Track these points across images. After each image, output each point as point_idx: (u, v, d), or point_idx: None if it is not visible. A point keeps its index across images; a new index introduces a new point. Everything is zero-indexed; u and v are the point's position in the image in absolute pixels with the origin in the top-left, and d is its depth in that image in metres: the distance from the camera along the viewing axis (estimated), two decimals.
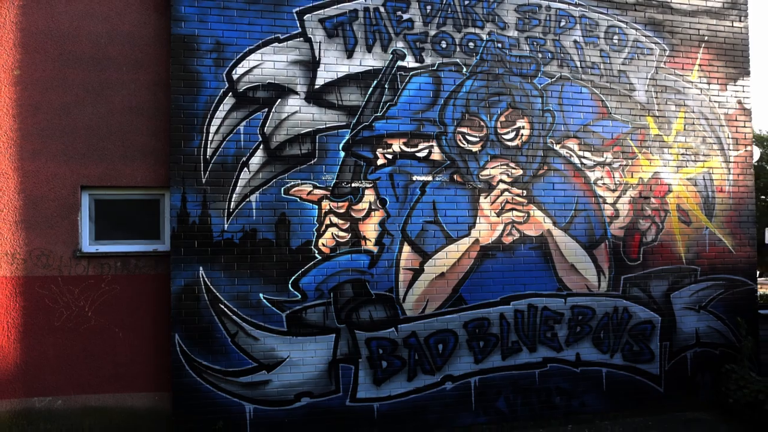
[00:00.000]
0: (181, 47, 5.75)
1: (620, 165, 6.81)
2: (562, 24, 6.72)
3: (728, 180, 7.17)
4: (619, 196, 6.79)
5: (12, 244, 5.55)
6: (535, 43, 6.63)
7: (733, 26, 7.30)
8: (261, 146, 5.87)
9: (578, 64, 6.73)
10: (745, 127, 7.28)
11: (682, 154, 7.03)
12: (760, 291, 8.05)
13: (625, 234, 6.78)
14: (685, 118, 7.06)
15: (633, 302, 6.75)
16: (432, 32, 6.35)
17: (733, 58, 7.29)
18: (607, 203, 6.75)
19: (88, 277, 5.65)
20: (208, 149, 5.76)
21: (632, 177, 6.85)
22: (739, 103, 7.26)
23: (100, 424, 5.61)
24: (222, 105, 5.80)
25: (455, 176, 6.33)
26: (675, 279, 6.91)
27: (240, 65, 5.86)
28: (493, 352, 6.37)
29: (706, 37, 7.19)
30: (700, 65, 7.15)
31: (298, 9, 6.03)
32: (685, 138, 7.05)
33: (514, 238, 6.47)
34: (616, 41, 6.88)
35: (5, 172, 5.56)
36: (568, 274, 6.58)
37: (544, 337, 6.50)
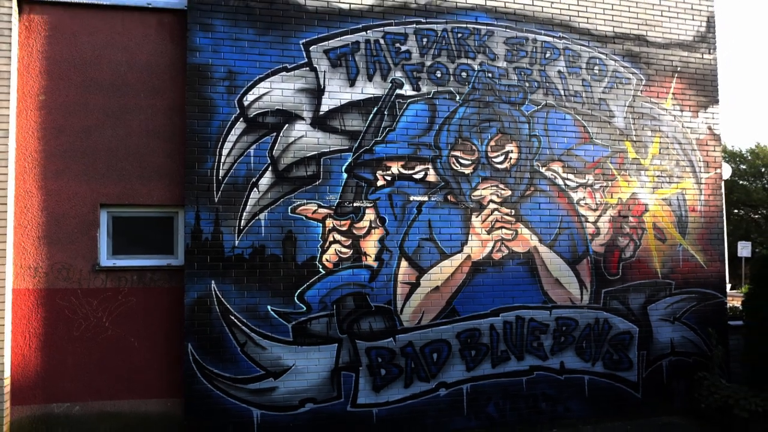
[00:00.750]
0: (196, 75, 6.18)
1: (601, 186, 7.35)
2: (547, 55, 7.27)
3: (700, 200, 7.74)
4: (599, 215, 7.32)
5: (35, 258, 5.90)
6: (522, 73, 7.16)
7: (703, 58, 7.91)
8: (269, 168, 6.30)
9: (562, 92, 7.28)
10: (714, 150, 7.87)
11: (658, 176, 7.59)
12: (730, 303, 8.59)
13: (605, 250, 7.31)
14: (660, 142, 7.63)
15: (613, 314, 7.26)
16: (428, 63, 6.85)
17: (704, 87, 7.89)
18: (588, 222, 7.28)
19: (106, 289, 6.02)
20: (221, 170, 6.18)
21: (612, 197, 7.38)
22: (710, 128, 7.86)
23: (116, 428, 5.95)
24: (233, 129, 6.23)
25: (449, 197, 6.80)
26: (651, 292, 7.44)
27: (250, 92, 6.30)
28: (484, 361, 6.82)
29: (678, 68, 7.79)
30: (673, 94, 7.74)
31: (304, 41, 6.49)
32: (660, 161, 7.61)
33: (503, 254, 6.95)
34: (596, 71, 7.44)
35: (30, 190, 5.92)
36: (552, 288, 7.08)
37: (530, 346, 6.98)
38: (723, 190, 7.90)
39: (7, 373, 5.68)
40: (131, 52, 6.21)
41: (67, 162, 6.00)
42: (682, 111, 7.77)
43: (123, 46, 6.19)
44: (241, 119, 6.25)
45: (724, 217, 7.94)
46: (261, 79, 6.34)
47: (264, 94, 6.33)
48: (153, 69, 6.25)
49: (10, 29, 5.81)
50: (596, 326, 7.19)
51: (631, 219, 7.44)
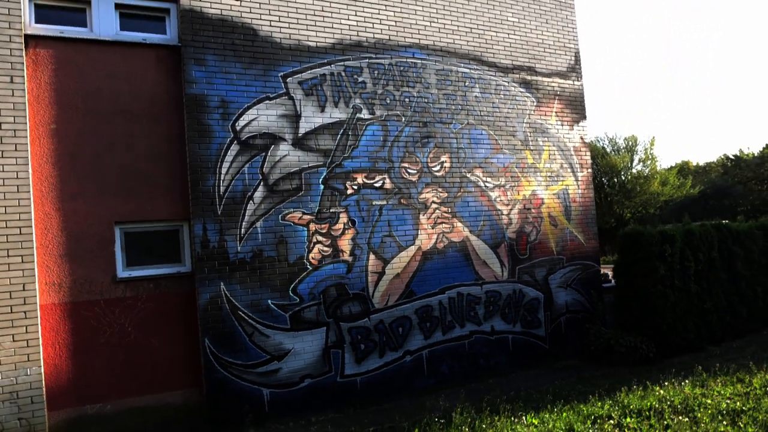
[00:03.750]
0: (194, 104, 7.07)
1: (510, 186, 9.35)
2: (466, 84, 9.09)
3: (578, 193, 10.08)
4: (511, 209, 9.31)
5: (58, 274, 6.43)
6: (449, 98, 8.91)
7: (573, 84, 10.27)
8: (261, 183, 7.37)
9: (479, 112, 9.15)
10: (586, 155, 10.27)
11: (549, 176, 9.77)
12: (604, 272, 11.14)
13: (516, 236, 9.32)
14: (548, 150, 9.83)
15: (525, 285, 9.30)
16: (379, 91, 8.32)
17: (576, 107, 10.25)
18: (503, 214, 9.23)
19: (126, 298, 6.72)
20: (221, 187, 7.14)
21: (518, 194, 9.42)
22: (581, 138, 10.23)
23: (144, 421, 6.68)
24: (229, 151, 7.22)
25: (402, 200, 8.34)
26: (550, 266, 9.60)
27: (241, 119, 7.32)
28: (436, 330, 8.47)
29: (558, 92, 10.05)
30: (555, 112, 9.99)
31: (282, 73, 7.64)
32: (550, 164, 9.81)
33: (444, 243, 8.65)
34: (502, 95, 9.42)
35: (49, 212, 6.43)
36: (481, 268, 8.92)
37: (469, 315, 8.76)
38: (593, 185, 10.33)
39: (43, 382, 6.20)
40: (133, 84, 6.93)
41: (82, 185, 6.59)
42: (562, 125, 10.05)
43: (125, 78, 6.89)
44: (235, 142, 7.26)
45: (595, 206, 10.38)
46: (249, 107, 7.38)
47: (252, 120, 7.39)
48: (153, 99, 7.02)
49: (22, 63, 6.30)
50: (514, 296, 9.18)
51: (532, 210, 9.54)
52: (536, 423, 5.29)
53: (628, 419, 4.71)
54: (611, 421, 4.83)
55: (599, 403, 5.57)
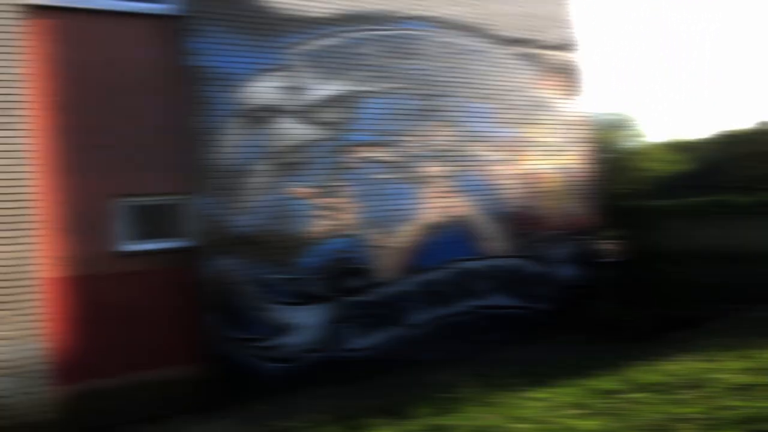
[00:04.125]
0: (196, 76, 6.92)
1: (511, 160, 9.28)
2: (468, 56, 8.96)
3: (579, 168, 10.03)
4: (512, 183, 9.26)
5: (62, 249, 6.34)
6: (451, 70, 8.78)
7: (573, 58, 10.16)
8: (264, 156, 7.26)
9: (481, 85, 9.03)
10: (586, 129, 10.21)
11: (550, 150, 9.71)
12: (605, 246, 11.18)
13: (518, 210, 9.27)
14: (549, 124, 9.76)
15: (526, 260, 9.29)
16: (381, 63, 8.18)
17: (575, 81, 10.15)
18: (505, 189, 9.18)
19: (130, 272, 6.64)
20: (223, 160, 7.03)
21: (520, 169, 9.36)
22: (581, 112, 10.16)
23: (150, 395, 6.66)
24: (231, 124, 7.09)
25: (404, 174, 8.26)
26: (552, 241, 9.59)
27: (243, 91, 7.19)
28: (439, 305, 8.47)
29: (558, 66, 9.95)
30: (556, 86, 9.89)
31: (284, 45, 7.47)
32: (551, 139, 9.75)
33: (446, 218, 8.60)
34: (503, 69, 9.31)
35: (52, 187, 6.31)
36: (483, 243, 8.90)
37: (471, 290, 8.76)
38: (594, 160, 10.29)
39: (47, 357, 6.15)
40: (134, 55, 6.77)
41: (85, 158, 6.46)
42: (562, 99, 9.96)
43: (126, 49, 6.72)
44: (237, 115, 7.13)
45: (596, 181, 10.35)
46: (251, 79, 7.24)
47: (254, 93, 7.25)
48: (155, 70, 6.86)
49: (22, 33, 6.11)
50: (516, 270, 9.18)
51: (534, 185, 9.49)
52: (544, 397, 5.31)
53: (639, 394, 4.75)
54: (621, 395, 4.86)
55: (606, 377, 5.61)
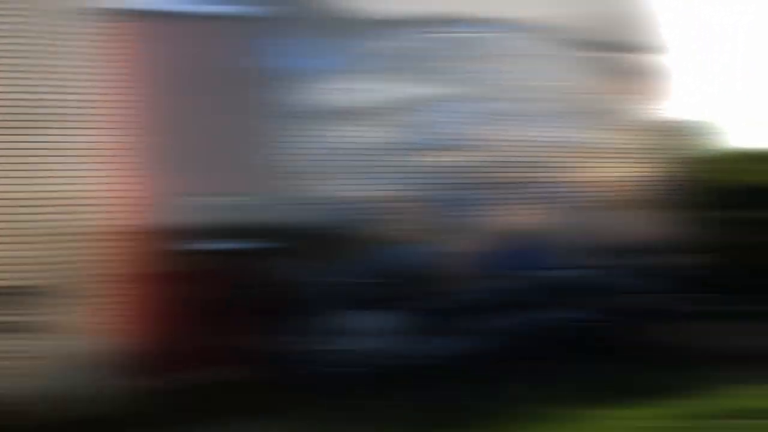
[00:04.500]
0: (270, 78, 6.94)
1: (585, 167, 8.92)
2: (541, 60, 8.68)
3: (660, 176, 9.54)
4: (586, 192, 8.89)
5: (137, 246, 6.41)
6: (523, 74, 8.52)
7: (654, 61, 9.70)
8: (333, 159, 7.20)
9: (554, 90, 8.72)
10: (668, 135, 9.72)
11: (628, 157, 9.27)
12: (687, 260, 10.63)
13: (592, 220, 8.89)
14: (627, 130, 9.34)
15: (601, 271, 8.88)
16: (453, 66, 8.00)
17: (656, 85, 9.70)
18: (577, 197, 8.81)
19: (200, 271, 6.67)
20: (295, 162, 7.01)
21: (595, 176, 8.98)
22: (662, 118, 9.69)
23: (215, 394, 6.65)
24: (303, 125, 7.08)
25: (475, 179, 8.03)
26: (628, 253, 9.13)
27: (318, 92, 7.16)
28: (513, 314, 8.16)
29: (638, 69, 9.52)
30: (635, 90, 9.47)
31: (356, 46, 7.40)
32: (629, 145, 9.31)
33: (520, 226, 8.31)
34: (577, 73, 8.97)
35: (130, 186, 6.41)
36: (556, 252, 8.56)
37: (543, 300, 8.41)
38: (678, 168, 9.76)
39: (120, 354, 6.23)
40: (218, 56, 6.86)
41: (163, 157, 6.55)
42: (640, 103, 9.51)
43: (211, 50, 6.83)
44: (310, 116, 7.11)
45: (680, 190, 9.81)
46: (326, 80, 7.21)
47: (329, 94, 7.22)
48: (230, 71, 6.91)
49: (107, 36, 6.27)
50: (589, 282, 8.71)
51: (609, 194, 9.07)
52: (634, 415, 5.00)
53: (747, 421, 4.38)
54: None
55: (703, 400, 5.24)
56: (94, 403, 5.94)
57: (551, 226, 8.52)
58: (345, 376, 7.06)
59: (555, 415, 5.35)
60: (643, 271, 9.22)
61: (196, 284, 6.67)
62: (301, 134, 7.05)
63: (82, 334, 6.01)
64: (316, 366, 6.95)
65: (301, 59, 7.07)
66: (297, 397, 6.78)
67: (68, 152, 6.21)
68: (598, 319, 8.80)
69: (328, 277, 7.06)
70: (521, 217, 8.30)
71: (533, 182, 8.42)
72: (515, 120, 8.35)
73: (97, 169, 6.24)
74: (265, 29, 6.93)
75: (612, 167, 9.11)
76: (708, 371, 7.23)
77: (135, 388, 6.28)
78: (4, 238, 6.03)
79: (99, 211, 6.19)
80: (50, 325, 5.98)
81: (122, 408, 6.11)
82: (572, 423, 5.06)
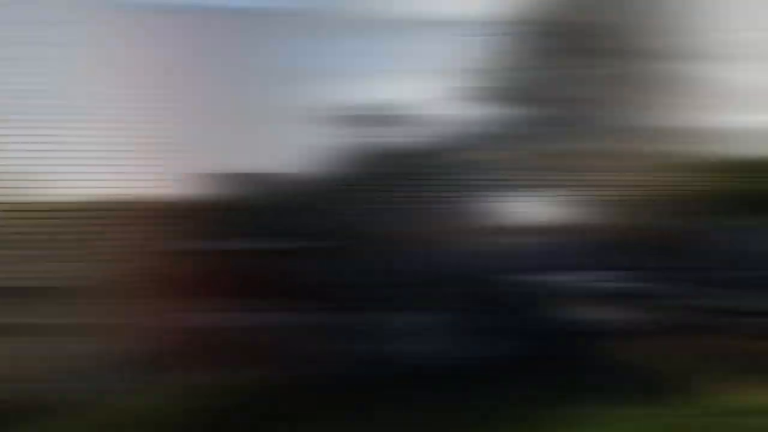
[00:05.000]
0: (300, 75, 6.93)
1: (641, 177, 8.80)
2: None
3: None
4: (644, 200, 8.75)
5: (175, 242, 6.31)
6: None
7: (676, 66, 9.68)
8: (377, 160, 7.11)
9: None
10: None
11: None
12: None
13: (656, 227, 8.72)
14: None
15: (646, 280, 8.65)
16: (487, 67, 7.99)
17: None
18: (640, 203, 8.66)
19: (230, 269, 6.54)
20: (333, 162, 6.93)
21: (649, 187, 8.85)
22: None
23: (265, 393, 6.43)
24: (341, 125, 7.03)
25: (532, 185, 7.93)
26: (668, 262, 8.92)
27: (361, 92, 7.13)
28: (564, 316, 7.92)
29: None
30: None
31: (391, 47, 7.41)
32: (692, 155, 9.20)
33: (575, 230, 8.16)
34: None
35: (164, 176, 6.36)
36: (609, 259, 8.36)
37: (590, 304, 8.17)
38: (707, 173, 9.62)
39: (164, 352, 6.06)
40: (240, 50, 6.87)
41: (185, 149, 6.50)
42: (670, 109, 9.43)
43: (232, 45, 6.85)
44: (348, 117, 7.04)
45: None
46: (366, 80, 7.19)
47: (374, 94, 7.19)
48: (258, 66, 6.91)
49: (137, 30, 6.29)
50: (622, 285, 8.50)
51: (645, 196, 8.92)
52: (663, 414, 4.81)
53: None
54: None
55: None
56: (140, 403, 5.78)
57: (583, 226, 8.42)
58: (396, 378, 6.85)
59: (586, 415, 5.24)
60: (670, 276, 9.02)
61: (238, 282, 6.56)
62: (338, 135, 7.02)
63: (121, 332, 5.88)
64: (357, 367, 6.76)
65: (332, 58, 7.10)
66: (337, 399, 6.59)
67: (82, 149, 6.23)
68: (624, 321, 8.57)
69: (374, 278, 6.93)
70: (557, 218, 8.19)
71: (568, 185, 8.34)
72: (556, 127, 8.32)
73: (113, 166, 6.24)
74: (293, 27, 7.00)
75: (637, 174, 9.02)
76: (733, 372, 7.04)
77: (186, 387, 6.13)
78: (30, 236, 6.01)
79: (122, 206, 6.16)
80: (84, 325, 5.88)
81: (169, 407, 5.97)
82: (601, 423, 4.97)
